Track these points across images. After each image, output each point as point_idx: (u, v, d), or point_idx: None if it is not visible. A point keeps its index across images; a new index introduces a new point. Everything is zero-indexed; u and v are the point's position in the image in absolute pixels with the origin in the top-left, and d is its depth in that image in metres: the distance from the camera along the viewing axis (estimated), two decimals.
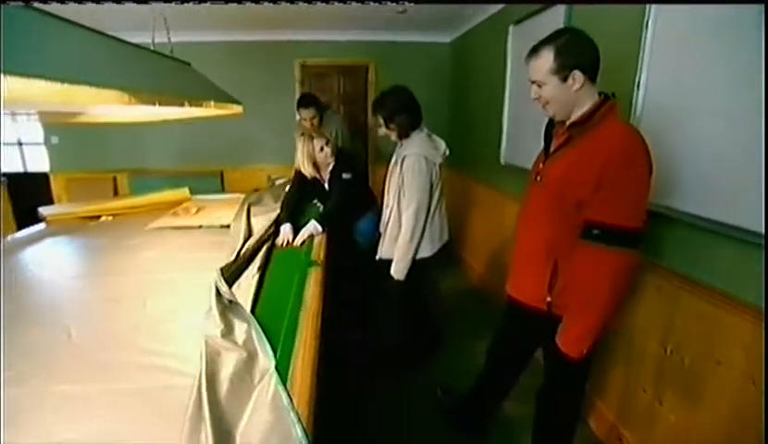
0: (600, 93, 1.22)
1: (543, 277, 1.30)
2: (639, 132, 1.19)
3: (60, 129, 4.21)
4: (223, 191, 4.21)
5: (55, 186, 4.40)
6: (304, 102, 3.14)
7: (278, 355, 1.10)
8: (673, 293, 1.50)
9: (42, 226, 2.50)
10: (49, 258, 1.98)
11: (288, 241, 2.04)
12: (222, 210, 2.62)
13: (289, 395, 0.93)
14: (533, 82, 1.24)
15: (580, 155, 1.19)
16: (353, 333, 2.57)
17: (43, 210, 2.66)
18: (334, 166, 2.39)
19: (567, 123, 1.24)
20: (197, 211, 2.64)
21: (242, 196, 2.99)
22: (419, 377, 2.27)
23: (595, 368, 1.93)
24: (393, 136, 2.01)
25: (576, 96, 1.19)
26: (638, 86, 1.60)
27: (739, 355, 1.27)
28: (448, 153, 2.05)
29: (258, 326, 1.22)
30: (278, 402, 0.92)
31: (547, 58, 1.17)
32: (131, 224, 2.50)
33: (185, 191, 3.04)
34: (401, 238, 1.97)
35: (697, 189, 1.39)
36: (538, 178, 1.33)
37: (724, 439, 1.32)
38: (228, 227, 2.24)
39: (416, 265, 2.02)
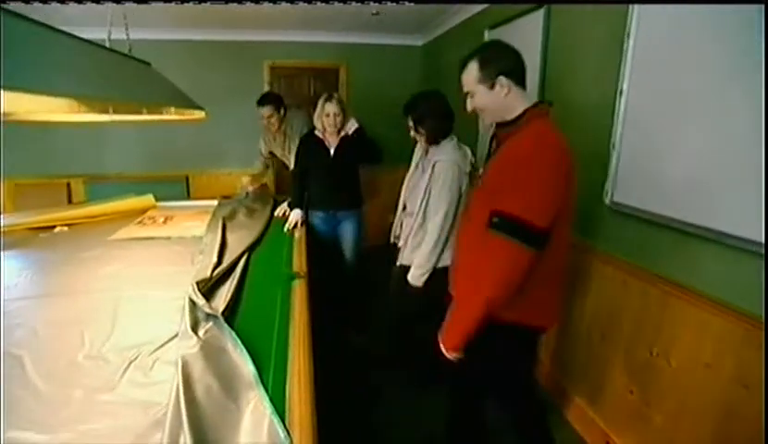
0: (540, 101, 1.26)
1: None
2: (559, 137, 1.19)
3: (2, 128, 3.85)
4: (188, 197, 4.00)
5: None
6: (259, 100, 2.91)
7: (270, 380, 1.01)
8: (660, 298, 1.52)
9: None
10: None
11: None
12: (192, 220, 2.47)
13: (286, 428, 0.85)
14: (466, 94, 1.30)
15: (502, 157, 1.25)
16: (359, 336, 2.60)
17: None
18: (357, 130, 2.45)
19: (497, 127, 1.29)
20: (165, 220, 2.47)
21: (213, 203, 2.84)
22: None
23: (581, 372, 1.96)
24: (421, 141, 1.94)
25: (506, 101, 1.23)
26: (620, 93, 1.63)
27: (729, 359, 1.30)
28: (473, 160, 1.98)
29: (240, 343, 1.13)
30: (275, 439, 0.84)
31: (473, 69, 1.24)
32: (90, 235, 2.30)
33: (150, 199, 2.84)
34: (424, 244, 1.90)
35: (681, 194, 1.42)
36: (479, 182, 1.39)
37: (711, 436, 1.34)
38: (200, 238, 2.11)
39: (437, 274, 1.93)
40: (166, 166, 4.16)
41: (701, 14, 1.32)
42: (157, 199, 2.93)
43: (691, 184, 1.38)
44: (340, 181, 2.53)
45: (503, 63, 1.22)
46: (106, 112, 1.09)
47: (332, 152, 2.45)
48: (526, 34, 2.29)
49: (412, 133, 1.95)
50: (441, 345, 1.32)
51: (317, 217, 2.58)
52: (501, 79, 1.21)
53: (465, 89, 1.29)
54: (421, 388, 2.22)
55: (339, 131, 2.43)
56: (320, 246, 2.53)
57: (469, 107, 1.31)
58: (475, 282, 1.21)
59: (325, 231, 2.60)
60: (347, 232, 2.60)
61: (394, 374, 2.33)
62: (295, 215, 2.45)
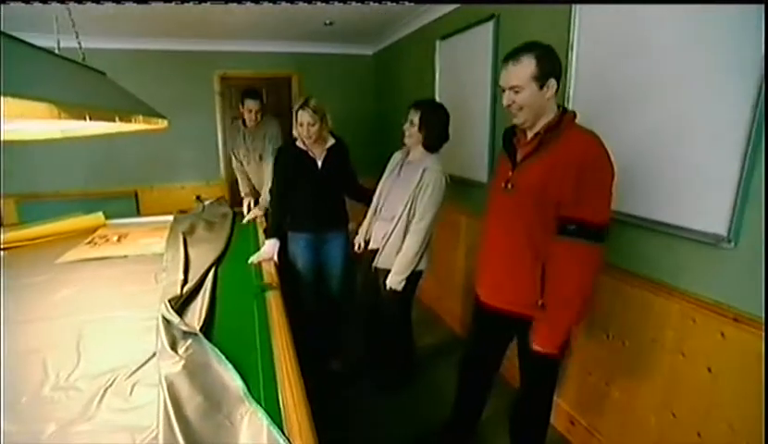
0: (562, 107, 1.32)
1: (534, 283, 1.33)
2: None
3: None
4: (138, 213, 3.79)
5: None
6: (252, 93, 2.83)
7: (262, 391, 1.01)
8: (612, 285, 1.67)
9: None
10: None
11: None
12: (149, 236, 2.36)
13: (286, 437, 0.86)
14: (510, 88, 1.27)
15: (556, 160, 1.25)
16: (335, 362, 2.43)
17: None
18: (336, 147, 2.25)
19: (535, 131, 1.30)
20: (119, 239, 2.34)
21: (169, 219, 2.73)
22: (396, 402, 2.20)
23: None
24: (411, 140, 1.96)
25: (545, 104, 1.27)
26: (567, 99, 1.77)
27: (669, 333, 1.46)
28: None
29: (224, 358, 1.12)
30: None
31: (529, 65, 1.23)
32: (34, 258, 2.14)
33: (99, 217, 2.68)
34: (407, 249, 1.92)
35: (626, 190, 1.58)
36: (509, 185, 1.36)
37: (659, 403, 1.51)
38: (161, 255, 2.02)
39: (414, 277, 2.00)
40: (110, 182, 3.91)
41: (631, 28, 1.49)
42: (107, 216, 2.77)
43: (631, 180, 1.54)
44: (329, 198, 2.26)
45: (557, 66, 1.25)
46: (83, 119, 1.04)
47: (319, 164, 2.19)
48: (477, 44, 2.42)
49: (406, 126, 1.97)
50: (542, 348, 1.33)
51: (303, 240, 2.27)
52: (552, 81, 1.24)
53: (513, 83, 1.25)
54: (395, 390, 2.27)
55: (325, 141, 2.21)
56: (302, 276, 2.31)
57: (506, 102, 1.29)
58: (564, 288, 1.27)
59: (309, 258, 2.29)
60: (335, 257, 2.33)
61: (370, 378, 2.36)
62: (270, 248, 2.01)
